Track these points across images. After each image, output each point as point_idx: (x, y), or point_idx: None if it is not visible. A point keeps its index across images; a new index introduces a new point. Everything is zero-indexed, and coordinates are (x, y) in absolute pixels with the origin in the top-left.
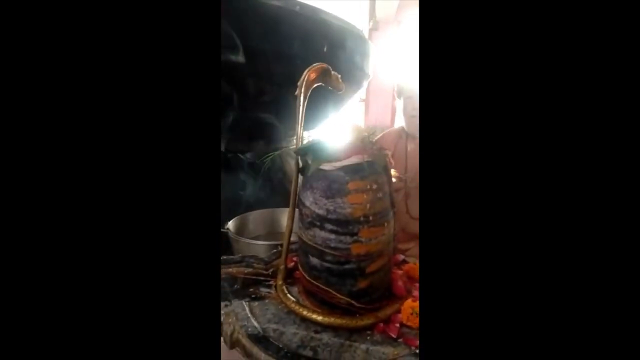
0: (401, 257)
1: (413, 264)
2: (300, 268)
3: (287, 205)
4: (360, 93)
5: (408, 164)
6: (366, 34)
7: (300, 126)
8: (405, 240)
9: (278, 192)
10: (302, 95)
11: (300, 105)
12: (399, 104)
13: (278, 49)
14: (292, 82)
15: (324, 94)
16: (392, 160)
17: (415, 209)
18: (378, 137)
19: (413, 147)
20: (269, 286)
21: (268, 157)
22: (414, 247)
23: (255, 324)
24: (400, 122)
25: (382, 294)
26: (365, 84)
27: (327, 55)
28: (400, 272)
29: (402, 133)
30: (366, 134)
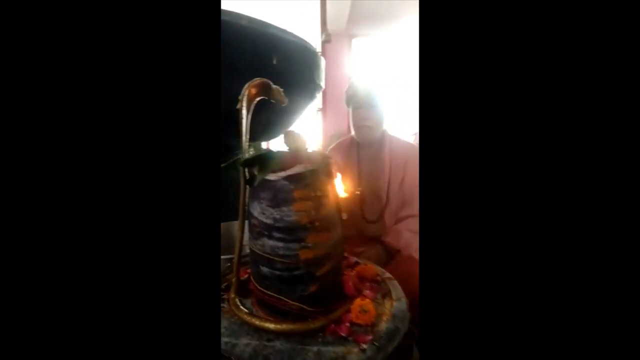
0: (354, 259)
1: (364, 265)
2: (252, 279)
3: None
4: (318, 102)
5: (362, 171)
6: (319, 46)
7: (246, 139)
8: (362, 244)
9: (233, 206)
10: (244, 109)
11: (243, 118)
12: (349, 113)
13: (227, 63)
14: None
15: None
16: (337, 168)
17: (370, 213)
18: (332, 147)
19: (365, 154)
20: (222, 300)
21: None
22: (367, 250)
23: None
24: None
25: (333, 296)
26: (318, 94)
27: (277, 68)
28: (352, 273)
29: (353, 142)
30: (305, 143)
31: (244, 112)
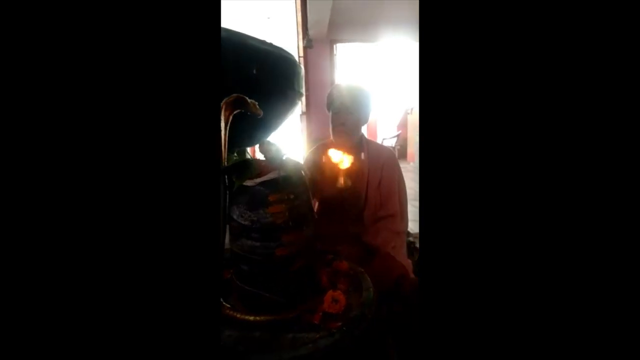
0: (331, 256)
1: (339, 261)
2: (233, 277)
3: None
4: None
5: (341, 172)
6: (301, 52)
7: (224, 150)
8: (342, 242)
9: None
10: (222, 122)
11: (221, 130)
12: (329, 117)
13: None
14: None
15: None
16: (312, 171)
17: (350, 213)
18: (313, 148)
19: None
20: None
21: None
22: (347, 247)
23: None
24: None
25: (307, 289)
26: (299, 101)
27: (257, 78)
28: (327, 268)
29: (332, 144)
30: (280, 151)
31: (222, 124)
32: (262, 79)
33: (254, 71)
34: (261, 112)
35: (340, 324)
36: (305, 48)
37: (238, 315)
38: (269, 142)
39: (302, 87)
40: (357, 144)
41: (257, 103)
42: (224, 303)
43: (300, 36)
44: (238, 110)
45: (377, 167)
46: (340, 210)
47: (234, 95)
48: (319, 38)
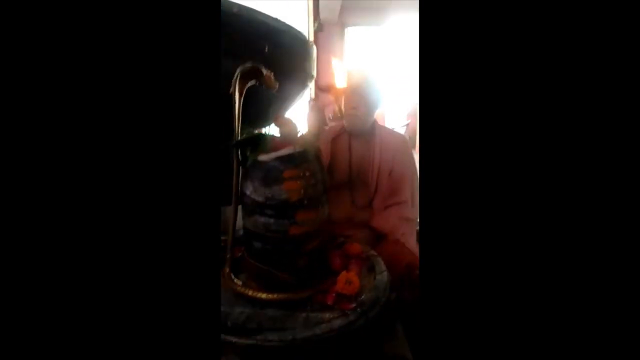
0: (341, 239)
1: (350, 244)
2: (246, 254)
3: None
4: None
5: (352, 159)
6: (311, 36)
7: (238, 123)
8: (350, 228)
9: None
10: (236, 93)
11: (235, 102)
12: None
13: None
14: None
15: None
16: (323, 153)
17: (360, 200)
18: (323, 133)
19: (355, 143)
20: None
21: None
22: (356, 233)
23: None
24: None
25: (320, 270)
26: (309, 84)
27: (268, 56)
28: (339, 250)
29: (344, 130)
30: (296, 127)
31: (237, 96)
32: (273, 58)
33: (266, 49)
34: (276, 86)
35: (354, 305)
36: (315, 32)
37: (250, 293)
38: (284, 116)
39: (313, 70)
40: (369, 130)
41: (272, 75)
42: (235, 280)
43: (311, 19)
44: (252, 83)
45: (388, 155)
46: (348, 197)
47: (250, 64)
48: (330, 22)
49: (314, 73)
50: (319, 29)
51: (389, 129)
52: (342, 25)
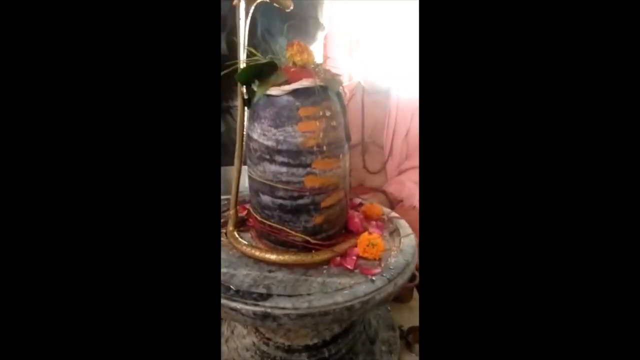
0: (358, 200)
1: (370, 205)
2: (251, 210)
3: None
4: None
5: (365, 119)
6: None
7: (243, 46)
8: (363, 193)
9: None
10: (242, 7)
11: (240, 19)
12: (356, 57)
13: None
14: None
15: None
16: (346, 91)
17: (372, 164)
18: None
19: (370, 103)
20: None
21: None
22: (370, 198)
23: None
24: (356, 77)
25: (339, 230)
26: (319, 35)
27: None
28: (356, 212)
29: (358, 87)
30: (313, 56)
31: (242, 12)
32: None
33: None
34: (291, 4)
35: (379, 270)
36: None
37: (257, 254)
38: (299, 42)
39: (323, 19)
40: (385, 89)
41: None
42: (239, 239)
43: None
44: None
45: (405, 116)
46: (360, 161)
47: None
48: None
49: (325, 23)
50: None
51: (407, 89)
52: None
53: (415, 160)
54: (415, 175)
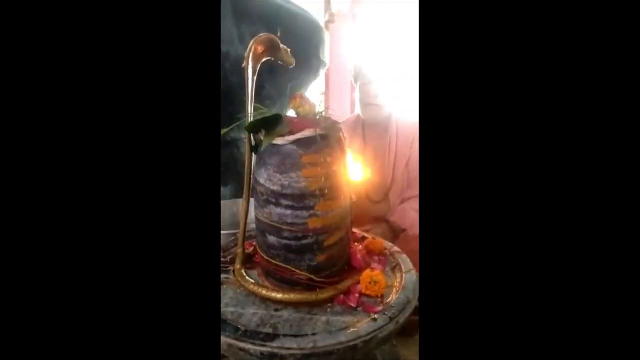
0: (361, 234)
1: (372, 239)
2: (258, 250)
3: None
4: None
5: (367, 151)
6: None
7: (251, 101)
8: (367, 223)
9: (237, 181)
10: (250, 67)
11: (249, 78)
12: (357, 91)
13: (231, 31)
14: None
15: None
16: (345, 136)
17: (375, 194)
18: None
19: (370, 134)
20: (227, 272)
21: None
22: (374, 228)
23: None
24: (358, 110)
25: (342, 267)
26: (322, 72)
27: (281, 40)
28: (359, 246)
29: (358, 121)
30: (314, 107)
31: (250, 71)
32: (286, 41)
33: (279, 33)
34: (293, 61)
35: (381, 308)
36: (327, 23)
37: (264, 292)
38: (302, 95)
39: (325, 57)
40: (386, 119)
41: (289, 50)
42: (247, 277)
43: (323, 10)
44: (267, 58)
45: (406, 144)
46: (363, 191)
47: (266, 34)
48: (342, 13)
49: (327, 61)
50: (330, 20)
51: (406, 117)
52: (354, 16)
53: (417, 189)
54: (417, 203)
